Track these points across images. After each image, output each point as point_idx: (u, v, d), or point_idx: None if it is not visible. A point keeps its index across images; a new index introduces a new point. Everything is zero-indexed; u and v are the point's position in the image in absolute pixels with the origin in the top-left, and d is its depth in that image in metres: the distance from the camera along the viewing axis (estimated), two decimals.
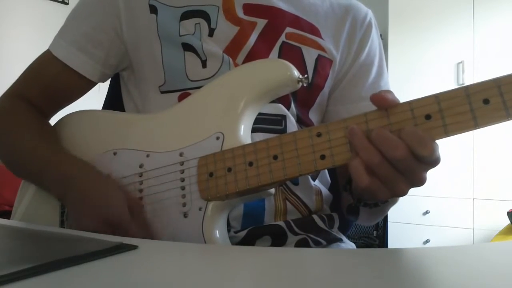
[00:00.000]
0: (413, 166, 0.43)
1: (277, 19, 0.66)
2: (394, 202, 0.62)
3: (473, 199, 2.56)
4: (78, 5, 0.69)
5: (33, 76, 0.69)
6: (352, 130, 0.45)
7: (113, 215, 0.51)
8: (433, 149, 0.42)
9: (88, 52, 0.66)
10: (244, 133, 0.54)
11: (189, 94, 0.62)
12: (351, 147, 0.46)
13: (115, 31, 0.66)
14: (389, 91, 0.46)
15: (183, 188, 0.53)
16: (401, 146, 0.42)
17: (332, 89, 0.70)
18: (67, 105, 0.71)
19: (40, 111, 0.68)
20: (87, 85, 0.69)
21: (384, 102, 0.45)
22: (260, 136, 0.58)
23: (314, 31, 0.68)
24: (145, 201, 0.56)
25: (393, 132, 0.44)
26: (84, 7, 0.68)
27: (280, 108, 0.62)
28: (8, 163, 0.65)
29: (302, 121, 0.66)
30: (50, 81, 0.67)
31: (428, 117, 0.43)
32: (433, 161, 0.43)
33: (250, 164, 0.49)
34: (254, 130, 0.57)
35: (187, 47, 0.63)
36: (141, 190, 0.56)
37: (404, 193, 0.46)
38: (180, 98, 0.62)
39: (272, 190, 0.53)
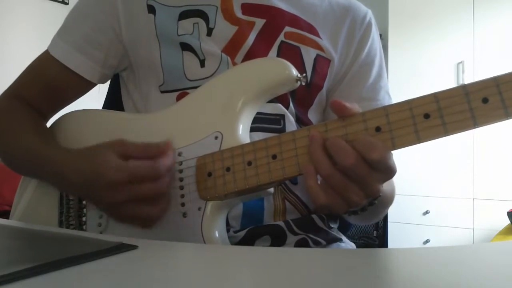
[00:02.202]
0: (364, 174, 0.44)
1: (276, 19, 0.66)
2: (384, 206, 0.63)
3: (473, 199, 2.56)
4: (77, 5, 0.69)
5: (31, 76, 0.69)
6: (312, 137, 0.46)
7: (112, 176, 0.48)
8: (381, 153, 0.43)
9: (87, 53, 0.66)
10: (243, 132, 0.54)
11: (187, 93, 0.62)
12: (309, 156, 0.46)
13: (114, 31, 0.66)
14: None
15: (181, 188, 0.53)
16: (352, 154, 0.43)
17: (332, 90, 0.70)
18: (66, 106, 0.71)
19: (39, 111, 0.68)
20: (86, 86, 0.69)
21: (343, 111, 0.46)
22: (259, 136, 0.58)
23: (313, 30, 0.68)
24: None
25: (391, 131, 0.44)
26: (83, 7, 0.68)
27: (279, 108, 0.62)
28: (7, 161, 0.65)
29: (301, 121, 0.66)
30: (48, 81, 0.67)
31: (427, 116, 0.43)
32: (385, 169, 0.44)
33: (249, 163, 0.49)
34: (253, 129, 0.57)
35: (186, 46, 0.63)
36: (126, 143, 0.54)
37: (358, 204, 0.46)
38: (179, 98, 0.62)
39: (271, 190, 0.53)
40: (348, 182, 0.44)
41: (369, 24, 0.72)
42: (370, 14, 0.73)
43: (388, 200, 0.63)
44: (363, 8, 0.74)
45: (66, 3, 3.00)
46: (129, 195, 0.49)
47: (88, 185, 0.51)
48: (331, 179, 0.44)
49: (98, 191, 0.50)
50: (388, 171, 0.45)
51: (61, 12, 2.79)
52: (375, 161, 0.43)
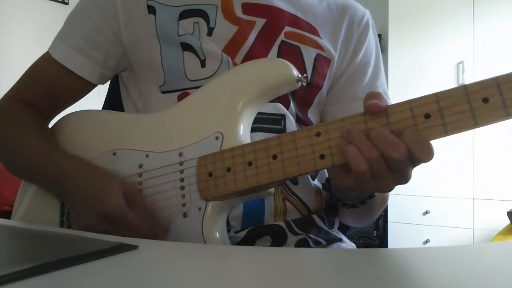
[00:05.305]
0: (405, 166, 0.44)
1: (276, 18, 0.66)
2: (380, 204, 0.64)
3: (473, 199, 2.56)
4: (76, 7, 0.70)
5: (32, 78, 0.69)
6: (349, 128, 0.46)
7: (109, 209, 0.50)
8: (433, 154, 0.43)
9: (86, 54, 0.66)
10: (244, 132, 0.54)
11: (188, 94, 0.62)
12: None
13: (113, 32, 0.66)
14: (380, 95, 0.46)
15: (182, 188, 0.53)
16: (401, 147, 0.43)
17: (329, 89, 0.70)
18: (68, 107, 0.71)
19: (41, 113, 0.68)
20: (87, 87, 0.69)
21: (378, 110, 0.45)
22: (260, 136, 0.58)
23: (313, 30, 0.68)
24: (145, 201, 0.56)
25: (392, 132, 0.44)
26: (82, 9, 0.69)
27: (280, 108, 0.62)
28: (7, 164, 0.65)
29: (302, 121, 0.66)
30: (49, 83, 0.67)
31: (427, 116, 0.43)
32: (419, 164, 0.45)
33: (249, 164, 0.49)
34: (253, 129, 0.57)
35: (186, 47, 0.63)
36: (140, 190, 0.56)
37: (389, 189, 0.47)
38: (180, 98, 0.62)
39: (272, 190, 0.53)
40: (388, 170, 0.45)
41: (367, 25, 0.72)
42: (368, 15, 0.74)
43: (386, 197, 0.64)
44: (361, 8, 0.74)
45: (66, 3, 3.00)
46: (113, 230, 0.48)
47: (81, 202, 0.52)
48: (375, 164, 0.44)
49: (88, 212, 0.51)
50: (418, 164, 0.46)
51: (61, 12, 2.79)
52: (424, 161, 0.43)
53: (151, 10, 0.64)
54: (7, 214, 0.67)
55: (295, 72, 0.54)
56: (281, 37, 0.65)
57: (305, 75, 0.55)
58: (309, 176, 0.65)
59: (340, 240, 0.66)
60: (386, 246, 2.61)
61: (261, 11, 0.66)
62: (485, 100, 0.42)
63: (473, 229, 2.55)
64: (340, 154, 0.46)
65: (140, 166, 0.56)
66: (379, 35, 2.96)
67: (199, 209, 0.52)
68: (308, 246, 0.60)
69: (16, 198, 0.68)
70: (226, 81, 0.57)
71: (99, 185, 0.53)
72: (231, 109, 0.54)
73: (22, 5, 2.81)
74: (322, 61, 0.67)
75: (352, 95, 0.69)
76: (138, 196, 0.54)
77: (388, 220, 2.73)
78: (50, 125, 0.69)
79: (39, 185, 0.63)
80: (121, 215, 0.50)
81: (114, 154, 0.59)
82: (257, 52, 0.63)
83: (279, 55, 0.64)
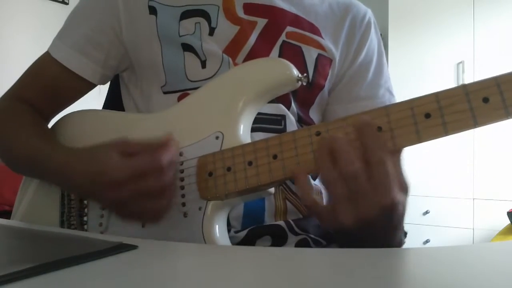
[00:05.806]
0: (364, 190, 0.41)
1: (277, 19, 0.66)
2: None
3: (473, 199, 2.56)
4: (77, 7, 0.69)
5: (32, 78, 0.69)
6: (321, 141, 0.45)
7: (114, 174, 0.48)
8: (384, 159, 0.41)
9: (87, 54, 0.66)
10: (244, 132, 0.54)
11: (188, 94, 0.62)
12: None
13: (114, 32, 0.66)
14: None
15: (182, 187, 0.53)
16: (356, 161, 0.41)
17: (331, 88, 0.70)
18: (68, 107, 0.71)
19: (40, 112, 0.68)
20: (87, 86, 0.69)
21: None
22: (260, 136, 0.58)
23: (314, 30, 0.68)
24: None
25: (391, 130, 0.44)
26: (83, 9, 0.68)
27: (280, 108, 0.62)
28: (8, 162, 0.65)
29: (303, 121, 0.66)
30: (49, 83, 0.67)
31: (427, 115, 0.43)
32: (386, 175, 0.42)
33: (250, 163, 0.49)
34: (254, 129, 0.57)
35: (187, 47, 0.63)
36: (131, 142, 0.54)
37: (349, 223, 0.43)
38: (180, 99, 0.62)
39: (272, 190, 0.53)
40: (348, 195, 0.42)
41: (369, 24, 0.72)
42: (370, 14, 0.74)
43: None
44: (362, 7, 0.74)
45: (66, 3, 3.00)
46: (133, 192, 0.48)
47: (91, 185, 0.50)
48: (331, 185, 0.43)
49: (102, 190, 0.49)
50: (394, 205, 0.42)
51: (61, 12, 2.79)
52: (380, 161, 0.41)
53: (152, 10, 0.64)
54: (7, 214, 0.67)
55: (295, 72, 0.54)
56: (283, 37, 0.65)
57: (305, 74, 0.54)
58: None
59: None
60: None
61: (263, 11, 0.66)
62: (486, 100, 0.42)
63: (473, 229, 2.55)
64: None
65: None
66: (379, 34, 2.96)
67: (199, 209, 0.52)
68: (308, 246, 0.60)
69: (16, 198, 0.68)
70: (226, 81, 0.57)
71: (96, 163, 0.50)
72: (231, 109, 0.54)
73: (22, 5, 2.81)
74: (323, 61, 0.67)
75: (354, 94, 0.69)
76: (133, 144, 0.51)
77: None
78: (50, 124, 0.69)
79: (43, 180, 0.62)
80: (128, 171, 0.48)
81: None
82: (259, 52, 0.63)
83: (281, 55, 0.64)
